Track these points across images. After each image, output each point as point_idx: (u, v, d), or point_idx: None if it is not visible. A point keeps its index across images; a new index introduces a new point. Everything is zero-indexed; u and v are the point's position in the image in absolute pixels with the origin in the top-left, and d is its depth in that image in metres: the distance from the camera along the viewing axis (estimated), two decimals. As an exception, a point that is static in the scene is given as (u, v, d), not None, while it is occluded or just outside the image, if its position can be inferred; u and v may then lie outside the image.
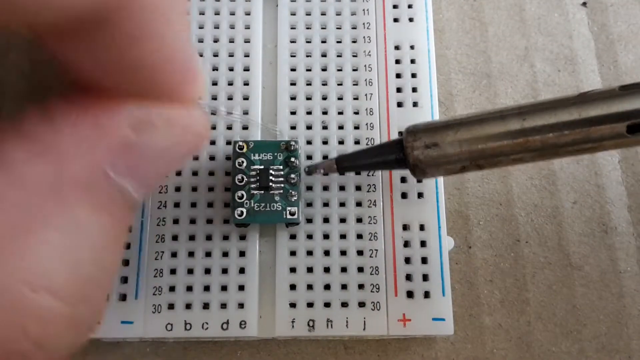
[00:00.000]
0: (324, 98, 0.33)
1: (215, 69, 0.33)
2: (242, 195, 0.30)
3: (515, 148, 0.26)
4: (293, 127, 0.33)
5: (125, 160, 0.21)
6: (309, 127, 0.33)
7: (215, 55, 0.34)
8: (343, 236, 0.31)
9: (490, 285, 0.33)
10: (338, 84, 0.33)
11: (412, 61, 0.34)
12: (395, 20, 0.35)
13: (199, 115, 0.24)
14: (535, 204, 0.35)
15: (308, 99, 0.33)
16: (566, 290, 0.33)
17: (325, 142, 0.32)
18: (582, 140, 0.25)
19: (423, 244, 0.31)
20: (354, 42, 0.34)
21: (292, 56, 0.34)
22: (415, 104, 0.33)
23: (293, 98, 0.33)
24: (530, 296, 0.33)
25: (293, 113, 0.33)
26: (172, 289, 0.30)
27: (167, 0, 0.21)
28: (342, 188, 0.32)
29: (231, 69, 0.33)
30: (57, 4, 0.18)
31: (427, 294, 0.30)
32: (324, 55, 0.34)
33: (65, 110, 0.21)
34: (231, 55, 0.34)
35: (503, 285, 0.33)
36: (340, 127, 0.33)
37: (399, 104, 0.33)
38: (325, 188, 0.32)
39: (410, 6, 0.35)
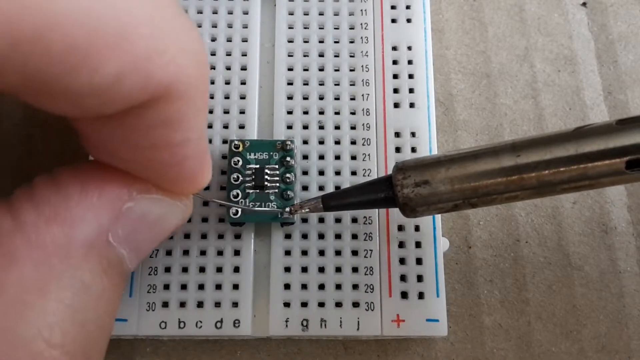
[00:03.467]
0: (321, 98, 0.32)
1: (212, 67, 0.32)
2: (237, 194, 0.29)
3: (510, 186, 0.25)
4: (289, 127, 0.31)
5: (124, 228, 0.22)
6: (305, 127, 0.31)
7: (213, 54, 0.32)
8: (338, 236, 0.30)
9: (490, 285, 0.32)
10: (335, 84, 0.32)
11: (410, 62, 0.32)
12: (393, 20, 0.33)
13: (189, 199, 0.26)
14: (535, 203, 0.33)
15: (305, 98, 0.32)
16: (566, 290, 0.32)
17: (321, 142, 0.31)
18: (579, 177, 0.24)
19: (418, 244, 0.30)
20: (352, 42, 0.32)
21: (289, 56, 0.32)
22: (412, 105, 0.32)
23: (290, 97, 0.32)
24: (530, 296, 0.32)
25: (290, 112, 0.31)
26: (166, 287, 0.29)
27: (199, 91, 0.21)
28: (337, 188, 0.30)
29: (228, 68, 0.32)
30: (112, 96, 0.19)
31: (421, 295, 0.29)
32: (321, 55, 0.32)
33: (73, 177, 0.22)
34: (229, 54, 0.32)
35: (503, 285, 0.32)
36: (337, 127, 0.31)
37: (396, 105, 0.32)
38: (321, 188, 0.30)
39: (408, 7, 0.33)
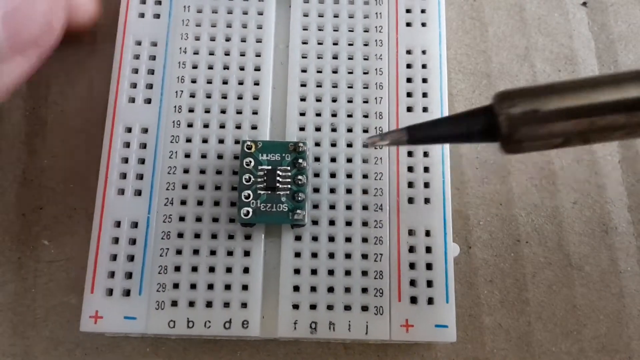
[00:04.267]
0: (334, 100, 0.29)
1: (226, 67, 0.30)
2: (249, 195, 0.27)
3: (632, 120, 0.20)
4: (302, 129, 0.29)
5: None
6: (317, 129, 0.29)
7: (227, 54, 0.30)
8: (348, 239, 0.28)
9: (490, 285, 0.30)
10: (348, 87, 0.29)
11: (424, 66, 0.30)
12: (408, 24, 0.31)
13: None
14: (535, 204, 0.31)
15: (318, 100, 0.29)
16: (566, 290, 0.30)
17: (333, 145, 0.29)
18: None
19: (428, 249, 0.27)
20: (366, 45, 0.30)
21: (303, 57, 0.30)
22: (425, 109, 0.29)
23: (303, 99, 0.29)
24: (530, 296, 0.30)
25: (302, 114, 0.29)
26: (175, 286, 0.27)
27: None
28: (349, 191, 0.28)
29: (242, 68, 0.30)
30: None
31: (430, 300, 0.27)
32: (335, 58, 0.30)
33: None
34: (242, 55, 0.30)
35: (503, 286, 0.30)
36: (349, 130, 0.29)
37: (409, 109, 0.29)
38: (332, 190, 0.28)
39: (423, 11, 0.31)
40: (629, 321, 0.30)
